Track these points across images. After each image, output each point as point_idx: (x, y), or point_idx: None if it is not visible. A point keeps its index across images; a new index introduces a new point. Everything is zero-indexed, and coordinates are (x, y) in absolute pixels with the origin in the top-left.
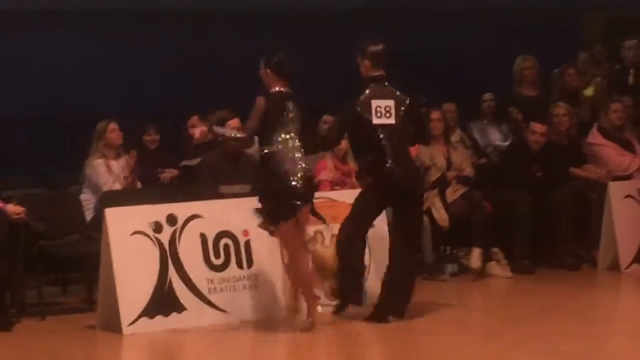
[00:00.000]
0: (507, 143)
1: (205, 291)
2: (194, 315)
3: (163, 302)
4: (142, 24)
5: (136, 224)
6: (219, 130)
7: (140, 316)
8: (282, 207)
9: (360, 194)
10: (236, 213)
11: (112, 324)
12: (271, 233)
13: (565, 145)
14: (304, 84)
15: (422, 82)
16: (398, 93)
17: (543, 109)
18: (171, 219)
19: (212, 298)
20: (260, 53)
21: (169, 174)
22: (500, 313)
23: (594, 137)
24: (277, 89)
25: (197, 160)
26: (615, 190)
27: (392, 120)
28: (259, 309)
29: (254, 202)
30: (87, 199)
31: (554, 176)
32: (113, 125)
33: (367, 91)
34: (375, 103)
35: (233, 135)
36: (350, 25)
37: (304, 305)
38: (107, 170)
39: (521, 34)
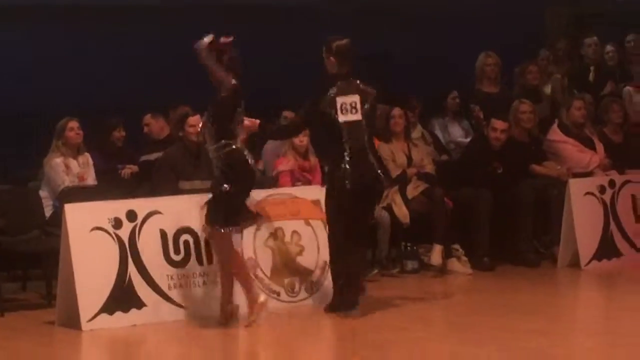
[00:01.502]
0: (468, 140)
1: (165, 287)
2: (154, 311)
3: (122, 298)
4: (106, 20)
5: (95, 220)
6: None
7: (99, 312)
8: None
9: (326, 198)
10: (196, 209)
11: (72, 320)
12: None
13: (526, 142)
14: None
15: (385, 80)
16: (362, 87)
17: (504, 106)
18: (131, 215)
19: (172, 294)
20: None
21: (128, 169)
22: (461, 309)
23: (555, 134)
24: (233, 82)
25: (156, 155)
26: (575, 187)
27: (357, 116)
28: (218, 304)
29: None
30: (46, 196)
31: (515, 173)
32: (72, 124)
33: (333, 89)
34: (340, 100)
35: None
36: (314, 24)
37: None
38: (65, 170)
39: (484, 30)
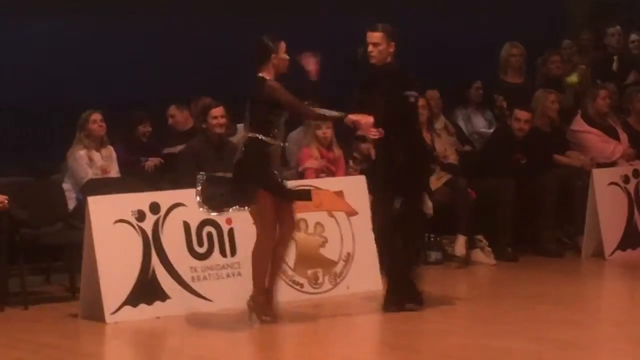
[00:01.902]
0: (491, 130)
1: (188, 279)
2: (178, 303)
3: (146, 290)
4: (127, 13)
5: (119, 212)
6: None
7: (123, 305)
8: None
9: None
10: None
11: (95, 313)
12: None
13: (549, 133)
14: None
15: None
16: None
17: (528, 96)
18: (154, 207)
19: (196, 286)
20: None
21: (152, 162)
22: (485, 300)
23: (578, 124)
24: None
25: (180, 147)
26: (599, 177)
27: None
28: (243, 297)
29: None
30: (69, 188)
31: (538, 163)
32: (95, 116)
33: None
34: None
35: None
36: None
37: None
38: (89, 162)
39: (507, 19)
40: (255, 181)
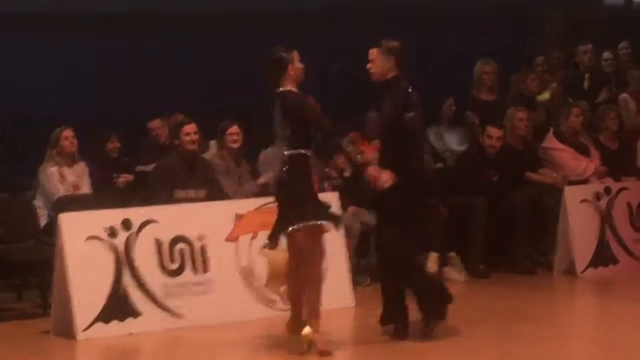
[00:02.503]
0: (463, 147)
1: (160, 296)
2: (150, 320)
3: (118, 307)
4: (99, 28)
5: (91, 229)
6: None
7: (95, 321)
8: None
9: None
10: (191, 218)
11: (67, 330)
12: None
13: (521, 150)
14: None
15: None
16: None
17: (500, 114)
18: (126, 224)
19: (168, 303)
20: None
21: (124, 178)
22: (456, 317)
23: (550, 142)
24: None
25: (152, 166)
26: (571, 195)
27: None
28: (215, 313)
29: (209, 207)
30: (41, 205)
31: (510, 180)
32: (67, 132)
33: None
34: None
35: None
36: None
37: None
38: (60, 179)
39: (480, 37)
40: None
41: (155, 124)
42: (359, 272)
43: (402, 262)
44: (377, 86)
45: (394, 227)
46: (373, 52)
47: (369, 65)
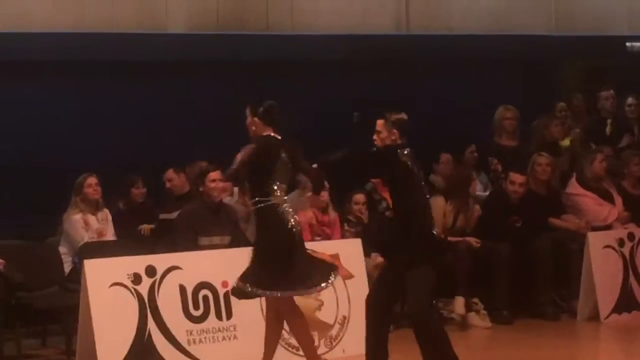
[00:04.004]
0: (487, 193)
1: (184, 343)
2: None
3: (142, 353)
4: (124, 75)
5: (115, 275)
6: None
7: None
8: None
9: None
10: (215, 264)
11: None
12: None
13: (545, 196)
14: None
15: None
16: None
17: (522, 159)
18: (150, 271)
19: (192, 349)
20: (242, 103)
21: (147, 226)
22: None
23: (573, 188)
24: (266, 134)
25: (176, 213)
26: (595, 241)
27: None
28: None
29: (233, 253)
30: (65, 252)
31: (534, 226)
32: (91, 180)
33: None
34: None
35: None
36: (337, 75)
37: None
38: (84, 226)
39: (501, 83)
40: None
41: (169, 174)
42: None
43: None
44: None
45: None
46: (379, 123)
47: (374, 136)
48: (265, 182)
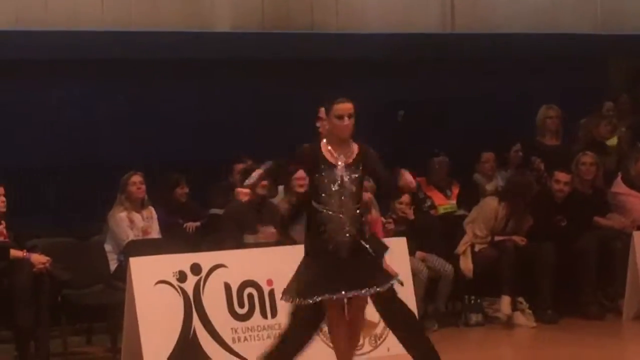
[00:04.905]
0: None
1: (229, 341)
2: None
3: (187, 351)
4: (170, 73)
5: (160, 273)
6: None
7: None
8: None
9: None
10: (260, 262)
11: None
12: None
13: (590, 195)
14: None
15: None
16: None
17: (565, 158)
18: (195, 269)
19: (237, 347)
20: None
21: (193, 223)
22: None
23: (618, 187)
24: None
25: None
26: None
27: None
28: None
29: (278, 252)
30: (111, 250)
31: (578, 225)
32: (135, 178)
33: None
34: None
35: None
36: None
37: None
38: (129, 224)
39: (544, 82)
40: None
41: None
42: (426, 318)
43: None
44: None
45: None
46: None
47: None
48: None
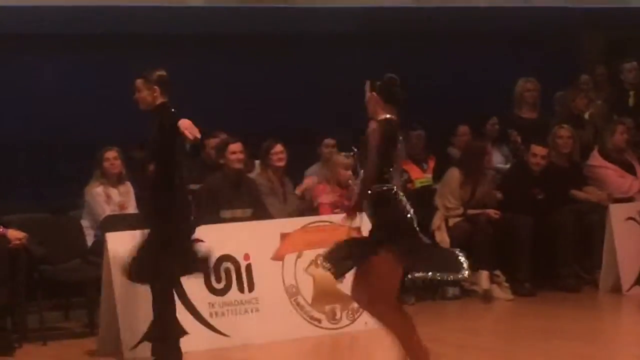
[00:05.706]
0: (508, 165)
1: (206, 315)
2: (196, 339)
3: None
4: (143, 48)
5: None
6: None
7: (141, 340)
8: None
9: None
10: (237, 237)
11: (114, 349)
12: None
13: (566, 168)
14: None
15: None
16: None
17: (543, 131)
18: None
19: (214, 322)
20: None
21: None
22: (503, 336)
23: (595, 160)
24: (386, 116)
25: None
26: (616, 213)
27: None
28: (260, 332)
29: (254, 226)
30: (87, 225)
31: (555, 198)
32: (109, 154)
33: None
34: None
35: None
36: (352, 50)
37: None
38: (106, 199)
39: (521, 56)
40: None
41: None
42: (403, 291)
43: None
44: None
45: None
46: (139, 82)
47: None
48: (386, 168)
